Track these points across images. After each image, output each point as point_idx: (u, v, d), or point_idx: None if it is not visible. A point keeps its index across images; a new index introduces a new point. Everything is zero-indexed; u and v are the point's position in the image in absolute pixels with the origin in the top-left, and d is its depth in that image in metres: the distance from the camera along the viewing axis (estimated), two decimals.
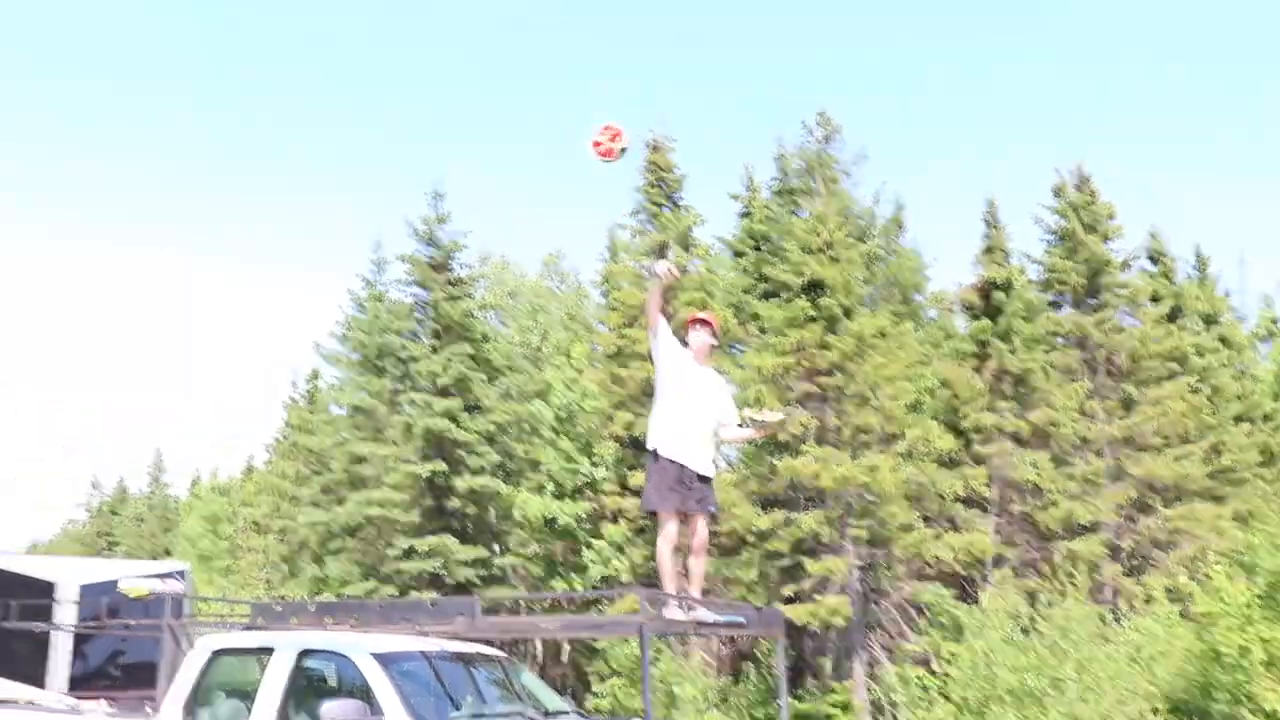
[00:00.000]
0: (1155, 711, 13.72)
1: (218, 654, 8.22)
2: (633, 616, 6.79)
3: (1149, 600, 18.06)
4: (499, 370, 23.53)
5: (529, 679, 8.82)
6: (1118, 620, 17.40)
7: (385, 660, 7.16)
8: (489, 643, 9.63)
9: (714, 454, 7.26)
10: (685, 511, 6.98)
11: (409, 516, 20.88)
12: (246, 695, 8.10)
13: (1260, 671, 12.60)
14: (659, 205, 22.43)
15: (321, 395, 34.68)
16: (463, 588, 20.73)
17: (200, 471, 59.49)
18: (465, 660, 8.09)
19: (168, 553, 47.82)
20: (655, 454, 6.96)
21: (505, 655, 9.00)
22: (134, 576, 12.34)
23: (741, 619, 7.30)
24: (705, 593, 7.93)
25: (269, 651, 7.80)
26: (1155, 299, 23.28)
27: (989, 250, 21.51)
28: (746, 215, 25.80)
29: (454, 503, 21.28)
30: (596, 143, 6.90)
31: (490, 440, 21.95)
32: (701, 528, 7.13)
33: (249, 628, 8.81)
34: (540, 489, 21.99)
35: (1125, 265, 22.29)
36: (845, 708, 16.57)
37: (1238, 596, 13.39)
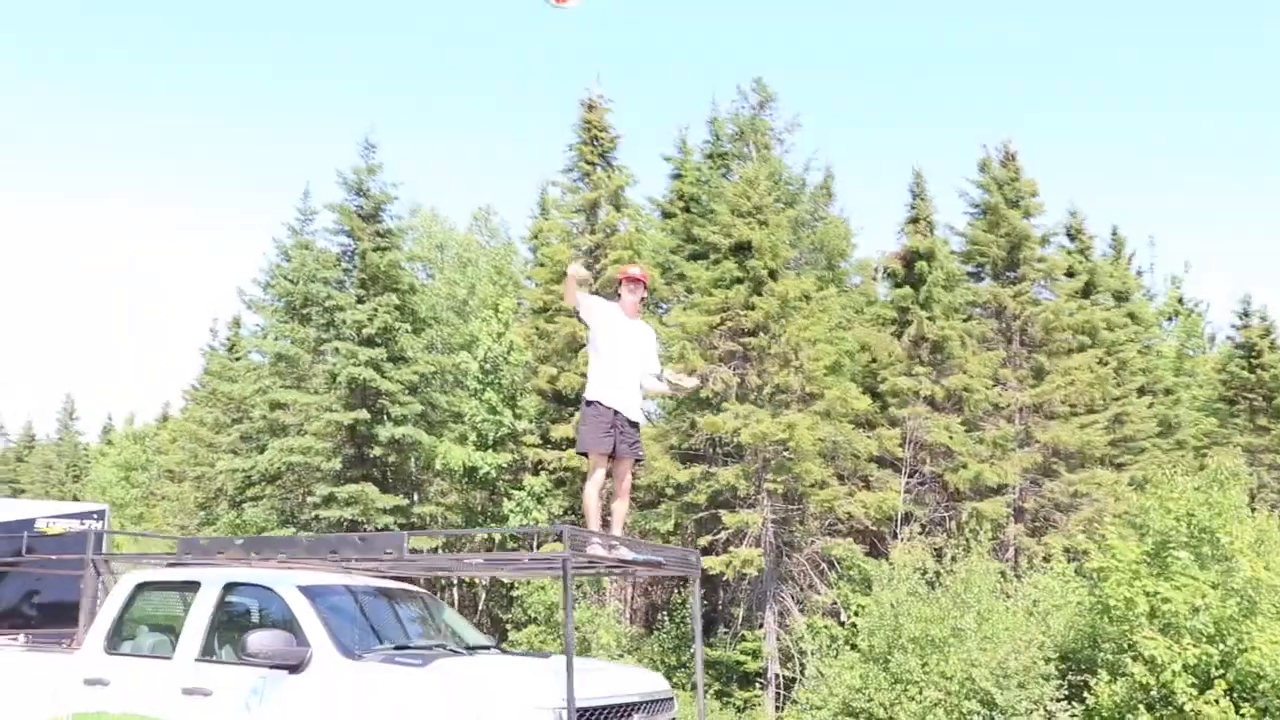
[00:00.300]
0: (1047, 660, 14.38)
1: (141, 588, 8.32)
2: (556, 553, 7.06)
3: (1048, 559, 18.94)
4: (425, 322, 23.54)
5: (451, 615, 9.05)
6: (1018, 577, 18.22)
7: (310, 593, 7.33)
8: (413, 582, 9.86)
9: (641, 403, 7.58)
10: (615, 455, 7.29)
11: (330, 464, 20.89)
12: (169, 630, 8.23)
13: (1143, 623, 13.25)
14: (592, 164, 22.56)
15: (243, 342, 34.34)
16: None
17: (114, 418, 58.40)
18: (389, 596, 8.31)
19: (76, 499, 46.99)
20: (589, 401, 7.28)
21: (427, 592, 9.23)
22: (52, 516, 12.34)
23: (660, 559, 7.62)
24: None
25: (194, 586, 7.92)
26: (1071, 274, 24.12)
27: (914, 220, 22.11)
28: (678, 177, 26.07)
29: (375, 451, 21.32)
30: None
31: (413, 391, 22.03)
32: (627, 472, 7.46)
33: (173, 564, 8.90)
34: (463, 440, 22.12)
35: (1044, 241, 23.08)
36: (755, 655, 17.12)
37: (1128, 554, 14.07)
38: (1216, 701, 12.48)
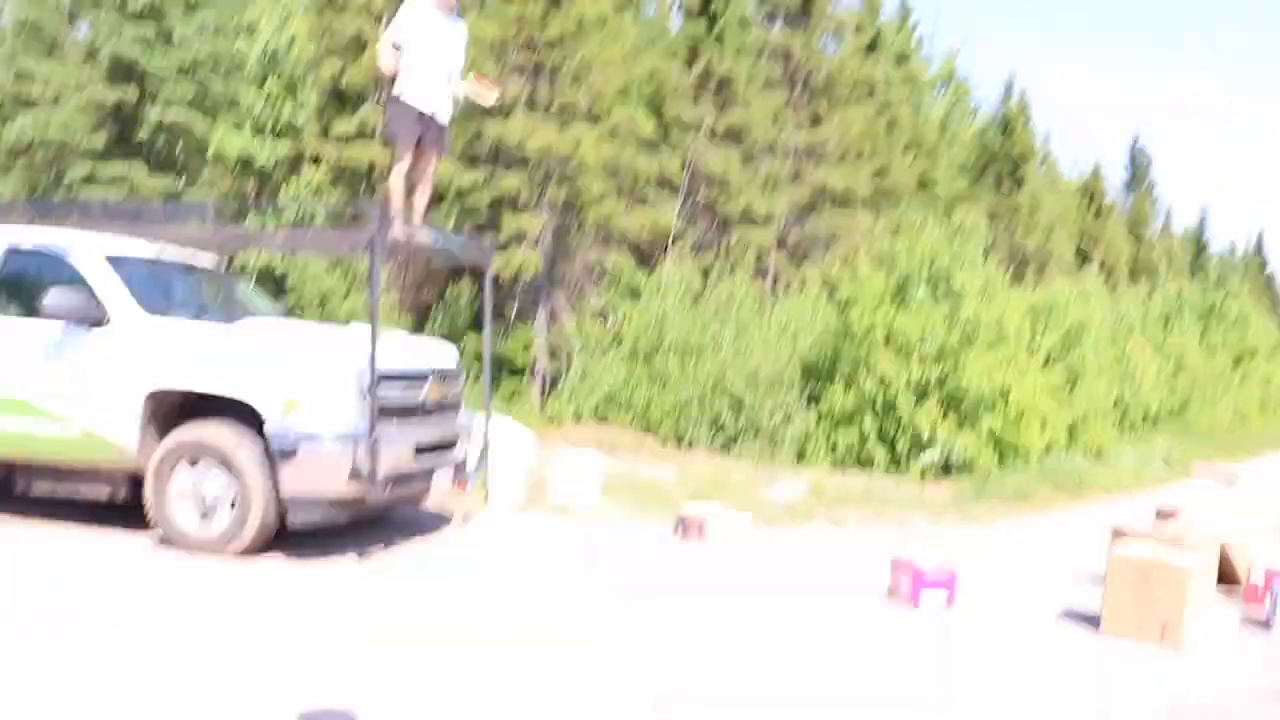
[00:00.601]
0: (793, 372, 15.88)
1: None
2: (364, 232, 7.30)
3: (803, 286, 20.47)
4: (196, 4, 21.83)
5: (247, 290, 9.17)
6: (775, 299, 19.68)
7: (113, 260, 7.21)
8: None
9: (449, 103, 7.70)
10: (421, 146, 7.47)
11: (91, 143, 19.68)
12: None
13: (880, 346, 14.87)
14: None
15: None
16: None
17: None
18: (191, 270, 8.26)
19: None
20: (398, 97, 7.36)
21: (229, 273, 9.28)
22: None
23: (455, 246, 7.98)
24: None
25: None
26: (859, 29, 24.83)
27: None
28: None
29: (143, 134, 20.21)
30: None
31: (186, 74, 20.70)
32: (430, 164, 7.68)
33: None
34: (239, 127, 21.17)
35: None
36: (526, 347, 17.98)
37: (874, 286, 15.53)
38: (929, 411, 14.32)
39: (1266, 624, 6.64)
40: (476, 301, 20.44)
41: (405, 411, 7.05)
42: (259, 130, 20.62)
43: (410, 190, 7.66)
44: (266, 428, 6.42)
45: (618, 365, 16.82)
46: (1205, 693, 5.22)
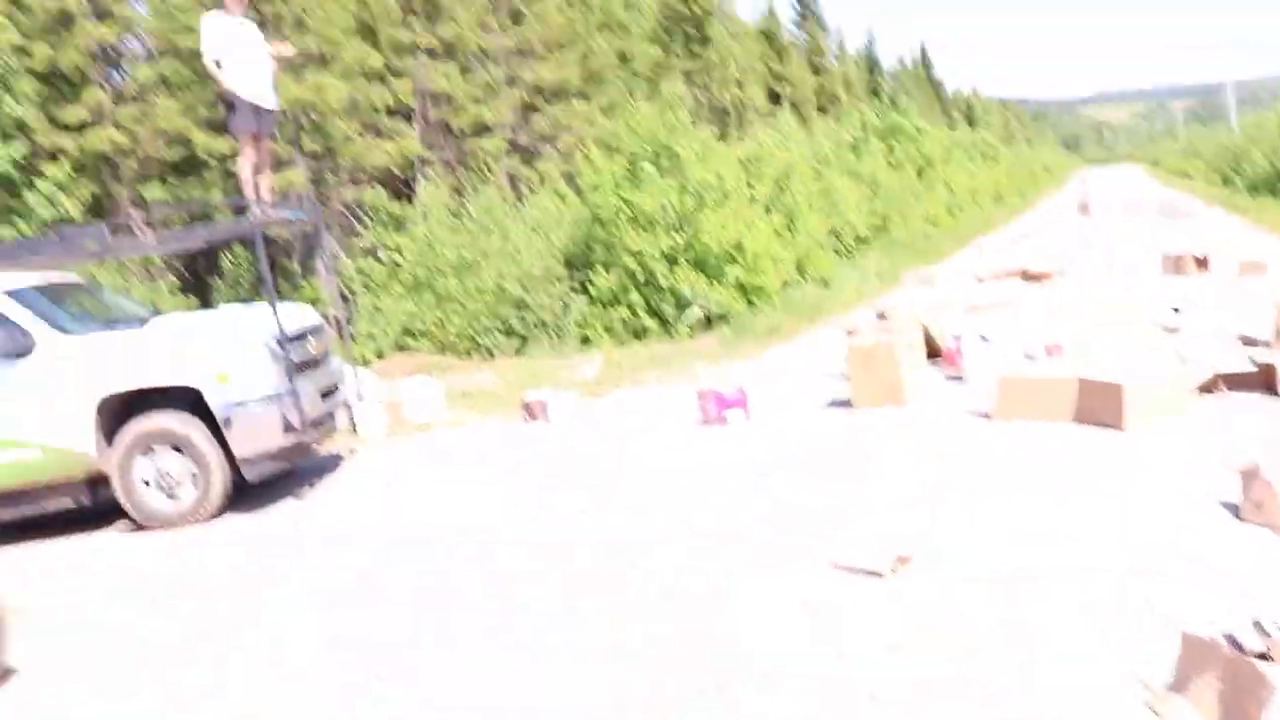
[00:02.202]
0: (557, 265, 17.75)
1: None
2: (243, 223, 8.69)
3: (542, 182, 22.26)
4: None
5: (116, 297, 10.24)
6: (520, 201, 21.37)
7: (11, 294, 8.11)
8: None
9: (274, 88, 9.10)
10: (258, 134, 8.90)
11: None
12: None
13: (625, 225, 16.87)
14: None
15: None
16: None
17: None
18: (67, 288, 9.15)
19: None
20: (235, 97, 8.71)
21: (91, 281, 10.26)
22: None
23: (304, 214, 9.51)
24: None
25: None
26: None
27: None
28: None
29: None
30: None
31: None
32: (268, 148, 9.13)
33: None
34: None
35: None
36: (315, 300, 19.02)
37: (609, 170, 17.40)
38: (684, 275, 16.67)
39: (962, 379, 9.49)
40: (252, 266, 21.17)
41: (304, 366, 8.56)
42: None
43: (254, 175, 9.10)
44: (210, 402, 7.76)
45: (403, 296, 18.09)
46: (926, 423, 7.92)
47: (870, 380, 8.66)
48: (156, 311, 9.88)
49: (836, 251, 23.53)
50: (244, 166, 8.96)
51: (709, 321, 16.47)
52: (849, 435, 7.99)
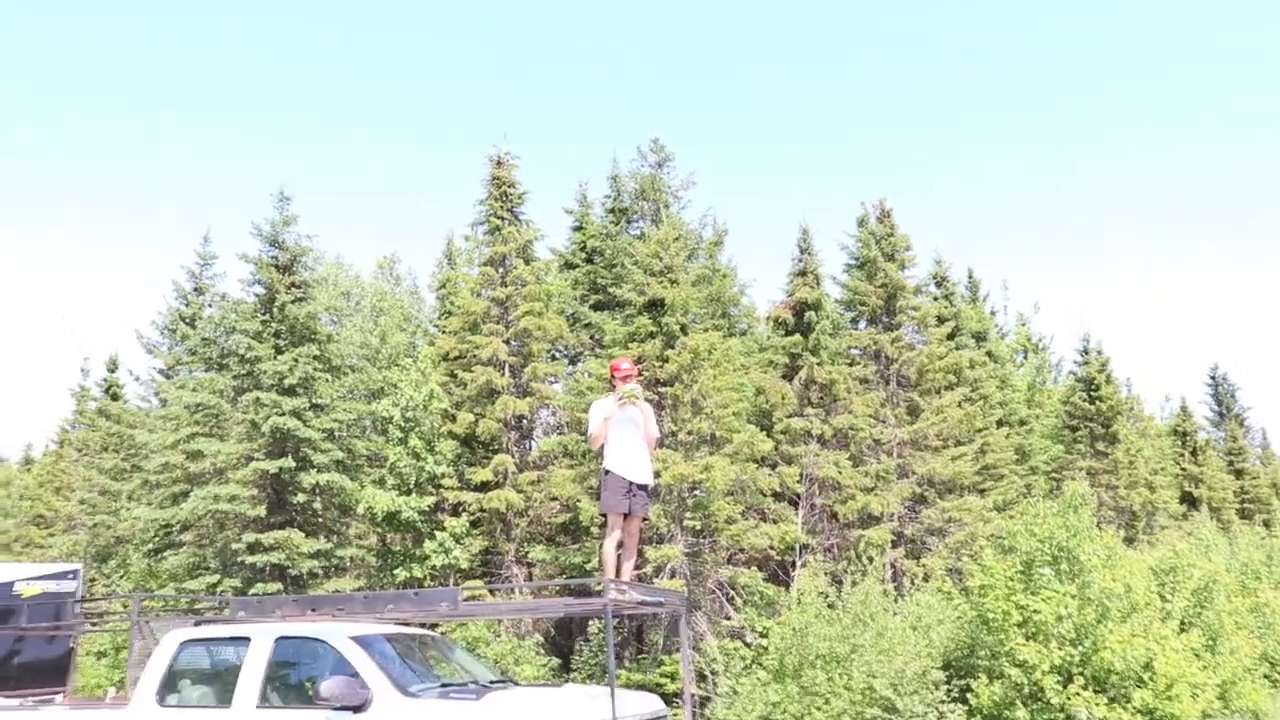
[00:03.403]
0: (935, 669, 16.38)
1: (186, 644, 9.38)
2: (598, 600, 8.59)
3: (926, 578, 21.11)
4: (341, 370, 24.41)
5: (462, 655, 10.43)
6: (900, 596, 20.31)
7: (362, 642, 8.63)
8: (427, 627, 11.13)
9: (651, 469, 9.27)
10: (629, 514, 8.96)
11: (255, 511, 21.56)
12: (214, 681, 9.32)
13: (1015, 631, 15.42)
14: (501, 219, 23.84)
15: (120, 386, 34.21)
16: (304, 578, 21.72)
17: None
18: (415, 640, 9.65)
19: None
20: (607, 470, 8.94)
21: (440, 636, 10.57)
22: (28, 578, 13.17)
23: (662, 599, 9.27)
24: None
25: (244, 641, 9.05)
26: (940, 320, 26.67)
27: (802, 273, 24.23)
28: (579, 229, 27.65)
29: (298, 497, 22.05)
30: None
31: (332, 437, 22.86)
32: (636, 528, 9.14)
33: (200, 622, 9.96)
34: (381, 483, 23.04)
35: (917, 290, 25.54)
36: (673, 677, 18.66)
37: (1002, 572, 16.24)
38: (1078, 694, 14.69)
39: None
40: (619, 635, 21.42)
41: None
42: (402, 485, 22.50)
43: (619, 555, 9.05)
44: None
45: (765, 684, 17.42)
46: None
47: None
48: (504, 677, 9.81)
49: (1270, 680, 19.98)
50: (608, 545, 8.98)
51: None
52: None
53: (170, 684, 9.17)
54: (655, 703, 9.08)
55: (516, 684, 9.72)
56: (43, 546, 34.69)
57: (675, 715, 19.57)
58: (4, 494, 45.28)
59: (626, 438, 9.15)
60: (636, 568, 19.44)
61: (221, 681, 9.15)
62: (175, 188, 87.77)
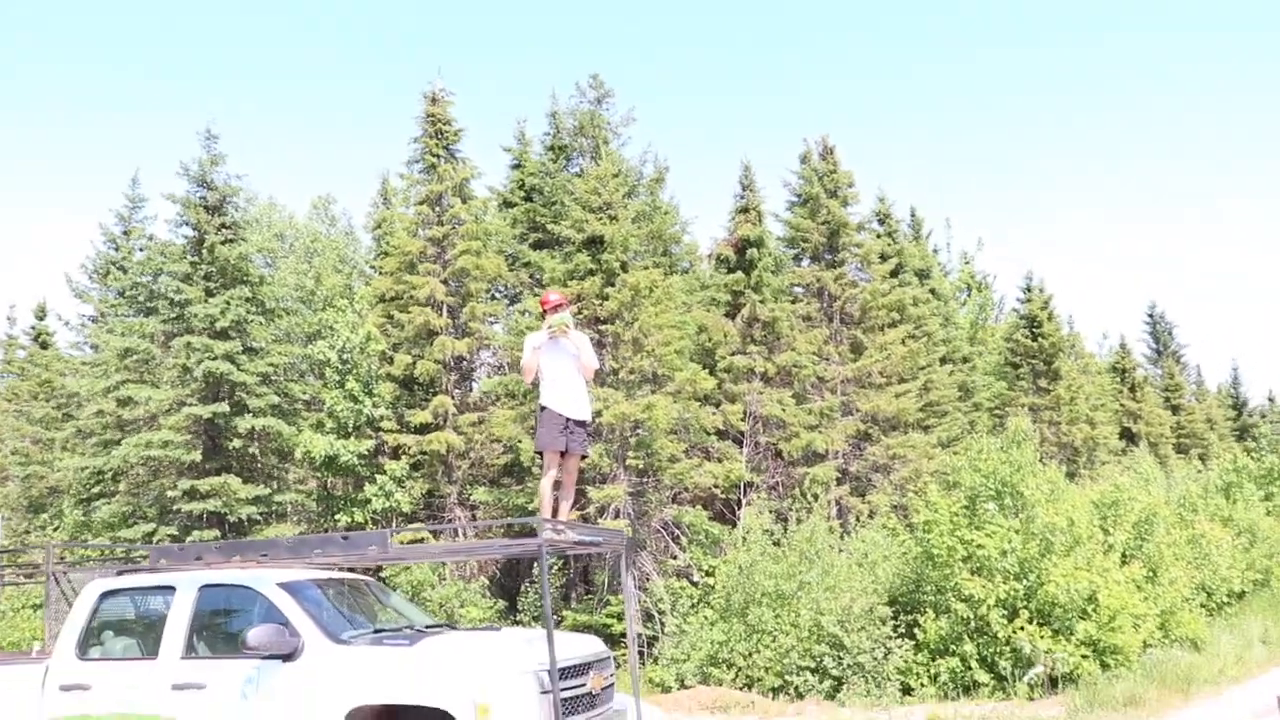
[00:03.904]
0: (881, 605, 16.42)
1: (106, 595, 8.98)
2: (532, 540, 8.32)
3: (871, 515, 21.18)
4: (275, 313, 23.76)
5: (397, 600, 10.13)
6: (846, 533, 20.37)
7: (290, 589, 8.30)
8: (357, 571, 10.81)
9: (589, 402, 8.95)
10: (566, 452, 8.66)
11: (189, 457, 21.03)
12: (137, 632, 8.96)
13: (961, 566, 15.46)
14: (437, 156, 23.17)
15: (50, 333, 33.22)
16: (243, 525, 21.29)
17: None
18: (347, 585, 9.33)
19: None
20: (543, 407, 8.61)
21: (374, 580, 10.26)
22: None
23: (600, 539, 9.02)
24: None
25: (169, 590, 8.67)
26: (883, 257, 26.54)
27: (744, 210, 23.90)
28: (517, 167, 27.04)
29: (234, 443, 21.54)
30: None
31: (267, 381, 22.31)
32: (574, 467, 8.84)
33: (123, 571, 9.55)
34: (319, 427, 22.58)
35: (860, 227, 25.34)
36: (619, 617, 18.56)
37: (947, 508, 16.26)
38: (1023, 628, 14.78)
39: None
40: (564, 576, 21.29)
41: (577, 702, 7.80)
42: (341, 429, 22.04)
43: (556, 492, 8.78)
44: None
45: (712, 623, 17.37)
46: None
47: None
48: (440, 622, 9.57)
49: (1206, 609, 20.37)
50: (545, 483, 8.69)
51: (1054, 683, 14.50)
52: None
53: (91, 636, 8.79)
54: (596, 644, 8.86)
55: (454, 628, 9.46)
56: None
57: (621, 655, 19.61)
58: None
59: (562, 372, 8.80)
60: (579, 507, 19.47)
61: (146, 632, 8.81)
62: (103, 127, 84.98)
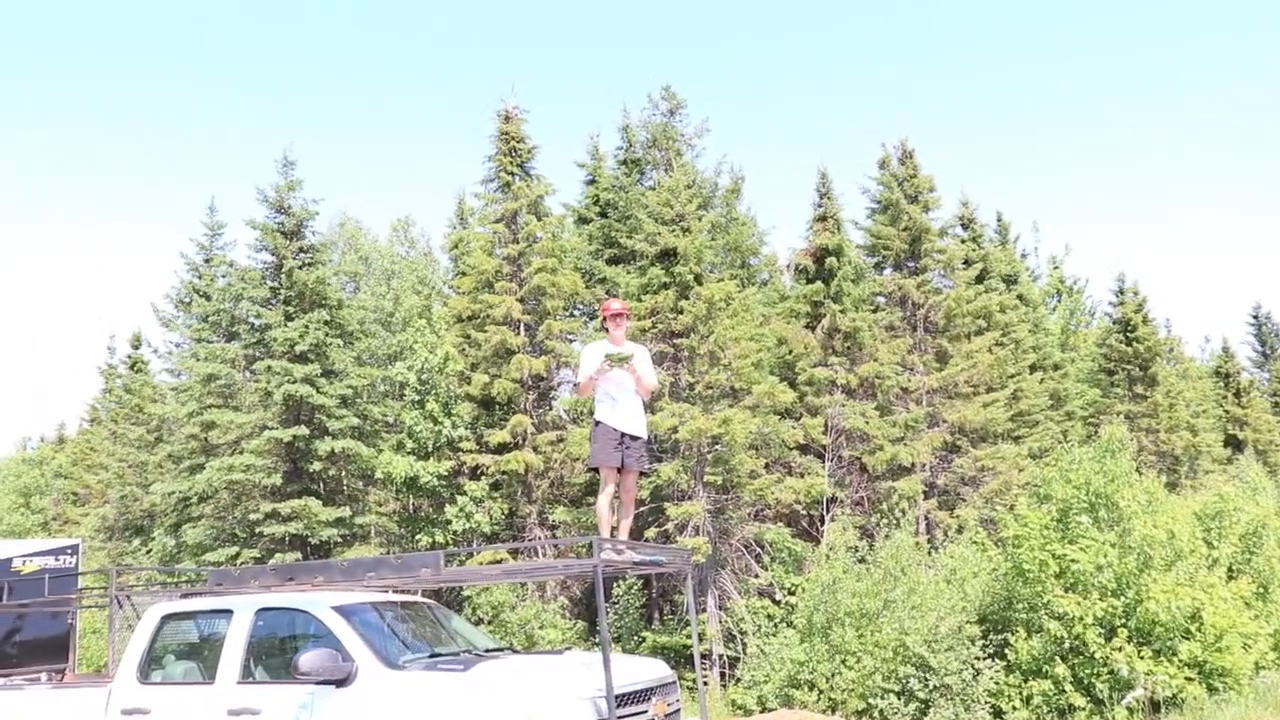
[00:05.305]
0: (970, 623, 15.74)
1: (167, 619, 8.91)
2: (587, 560, 8.00)
3: (960, 530, 20.41)
4: (354, 335, 23.97)
5: (459, 623, 9.89)
6: (933, 549, 19.65)
7: (345, 612, 8.09)
8: (415, 594, 10.61)
9: (645, 419, 8.60)
10: (623, 468, 8.32)
11: (271, 480, 21.24)
12: (198, 656, 8.85)
13: (1053, 583, 14.75)
14: (511, 174, 23.14)
15: (144, 361, 34.06)
16: (324, 547, 21.42)
17: (4, 442, 56.56)
18: (406, 608, 9.11)
19: None
20: (597, 422, 8.30)
21: (436, 603, 10.04)
22: (25, 554, 12.75)
23: (663, 558, 8.65)
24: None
25: (227, 614, 8.55)
26: (967, 262, 25.71)
27: (822, 219, 23.37)
28: (592, 183, 26.94)
29: (314, 465, 21.72)
30: None
31: (347, 403, 22.47)
32: (633, 484, 8.49)
33: (188, 595, 9.49)
34: (399, 448, 22.65)
35: (942, 233, 24.58)
36: (701, 638, 18.14)
37: (1038, 522, 15.50)
38: (1121, 648, 14.00)
39: None
40: (644, 597, 20.95)
41: None
42: (420, 450, 22.06)
43: (616, 511, 8.44)
44: None
45: (793, 642, 16.87)
46: None
47: None
48: (501, 646, 9.30)
49: None
50: (602, 501, 8.35)
51: (1155, 707, 13.74)
52: None
53: (153, 660, 8.71)
54: (660, 669, 8.49)
55: (515, 652, 9.18)
56: (77, 523, 34.81)
57: (703, 676, 19.18)
58: (39, 473, 45.58)
59: (619, 388, 8.46)
60: (658, 525, 19.13)
61: (205, 656, 8.69)
62: (184, 159, 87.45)
